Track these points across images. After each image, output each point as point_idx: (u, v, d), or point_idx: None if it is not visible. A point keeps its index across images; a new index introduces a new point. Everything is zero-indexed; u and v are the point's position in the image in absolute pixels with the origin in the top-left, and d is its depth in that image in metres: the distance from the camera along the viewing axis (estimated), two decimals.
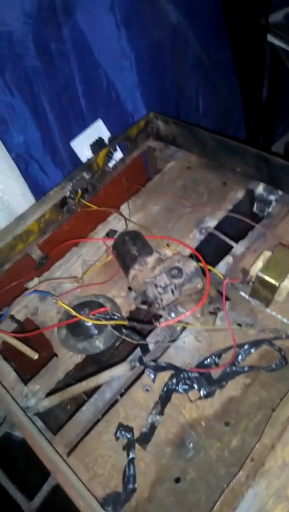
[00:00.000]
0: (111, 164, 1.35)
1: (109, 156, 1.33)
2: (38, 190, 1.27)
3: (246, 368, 0.89)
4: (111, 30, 1.25)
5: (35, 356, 0.99)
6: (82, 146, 1.33)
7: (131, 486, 0.80)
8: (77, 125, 1.32)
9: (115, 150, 1.36)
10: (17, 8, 1.03)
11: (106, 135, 1.36)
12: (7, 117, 1.12)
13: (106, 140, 1.36)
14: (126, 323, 0.99)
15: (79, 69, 1.24)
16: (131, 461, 0.83)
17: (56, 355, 1.01)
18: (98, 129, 1.36)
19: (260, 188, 1.20)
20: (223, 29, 1.59)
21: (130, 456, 0.83)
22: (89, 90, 1.29)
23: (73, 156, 1.34)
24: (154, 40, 1.42)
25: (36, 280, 1.15)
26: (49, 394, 0.95)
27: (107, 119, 1.36)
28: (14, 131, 1.15)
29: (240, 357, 0.90)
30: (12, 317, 1.09)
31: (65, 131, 1.29)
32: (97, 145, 1.34)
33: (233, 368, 0.89)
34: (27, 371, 1.06)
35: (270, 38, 1.61)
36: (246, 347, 0.91)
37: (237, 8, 1.52)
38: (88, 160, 1.30)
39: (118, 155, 1.37)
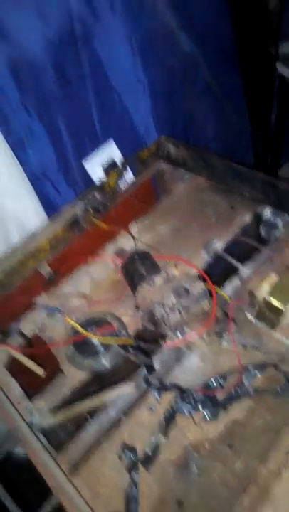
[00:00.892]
0: (122, 185, 1.39)
1: (120, 177, 1.37)
2: (50, 208, 1.30)
3: (251, 391, 0.89)
4: (127, 57, 1.31)
5: (42, 373, 1.00)
6: (94, 167, 1.37)
7: (133, 508, 0.79)
8: (91, 146, 1.36)
9: (126, 171, 1.40)
10: (39, 36, 1.09)
11: (118, 156, 1.40)
12: (24, 137, 1.16)
13: (118, 161, 1.40)
14: (132, 342, 1.00)
15: (95, 93, 1.28)
16: (134, 482, 0.82)
17: (62, 371, 1.02)
18: (111, 151, 1.40)
19: (267, 212, 1.23)
20: (234, 57, 1.64)
21: (133, 477, 0.83)
22: (103, 114, 1.33)
23: (85, 175, 1.37)
24: (167, 68, 1.47)
25: (45, 296, 1.17)
26: (54, 411, 0.95)
27: (119, 141, 1.40)
28: (30, 150, 1.19)
29: (245, 380, 0.91)
30: (20, 332, 1.10)
31: (79, 151, 1.33)
32: (109, 166, 1.38)
33: (239, 390, 0.90)
34: (32, 387, 1.06)
35: (279, 67, 1.66)
36: (252, 370, 0.91)
37: (248, 38, 1.58)
38: (100, 180, 1.34)
39: (129, 176, 1.40)
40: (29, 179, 1.21)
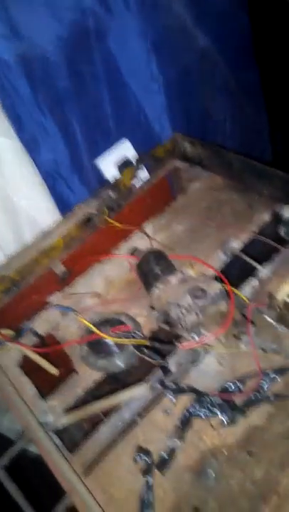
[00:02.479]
0: (136, 183, 1.37)
1: (135, 175, 1.35)
2: (64, 207, 1.29)
3: (271, 396, 0.86)
4: (141, 54, 1.29)
5: (56, 372, 0.99)
6: (108, 165, 1.36)
7: None
8: (105, 144, 1.35)
9: (141, 169, 1.38)
10: (52, 33, 1.08)
11: (132, 155, 1.39)
12: (38, 136, 1.16)
13: (132, 159, 1.38)
14: (147, 342, 0.98)
15: (109, 91, 1.27)
16: (149, 486, 0.80)
17: (76, 371, 1.01)
18: (125, 149, 1.38)
19: (286, 211, 1.19)
20: (251, 53, 1.61)
21: (148, 481, 0.81)
22: (117, 111, 1.32)
23: (99, 174, 1.36)
24: (183, 64, 1.45)
25: (58, 295, 1.16)
26: (67, 411, 0.94)
27: (134, 139, 1.39)
28: (44, 149, 1.19)
29: (265, 384, 0.88)
30: (33, 331, 1.09)
31: (92, 150, 1.32)
32: (124, 164, 1.36)
33: (258, 395, 0.87)
34: (45, 386, 1.05)
35: None
36: (271, 374, 0.88)
37: (267, 32, 1.55)
38: (114, 178, 1.32)
39: (144, 174, 1.38)
40: (42, 178, 1.21)
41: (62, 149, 1.24)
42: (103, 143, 1.35)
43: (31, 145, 1.16)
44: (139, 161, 1.37)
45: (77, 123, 1.25)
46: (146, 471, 0.82)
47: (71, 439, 0.95)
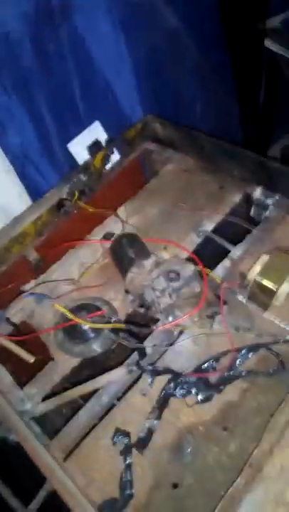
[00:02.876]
0: (108, 166, 1.35)
1: (106, 158, 1.33)
2: (35, 192, 1.26)
3: (244, 373, 0.89)
4: (109, 33, 1.25)
5: (31, 360, 0.98)
6: (79, 148, 1.33)
7: (128, 492, 0.79)
8: (75, 127, 1.31)
9: (112, 152, 1.35)
10: (14, 9, 1.03)
11: (103, 137, 1.36)
12: (3, 118, 1.11)
13: (103, 142, 1.36)
14: (123, 326, 0.98)
15: (76, 71, 1.23)
16: (128, 466, 0.82)
17: (53, 358, 1.00)
18: (96, 131, 1.35)
19: (257, 192, 1.21)
20: (221, 34, 1.59)
21: (127, 462, 0.82)
22: (86, 92, 1.28)
23: (70, 158, 1.33)
24: (152, 44, 1.42)
25: (33, 283, 1.14)
26: (45, 398, 0.94)
27: (104, 122, 1.36)
28: (11, 132, 1.14)
29: (238, 361, 0.90)
30: (8, 320, 1.07)
31: (62, 132, 1.28)
32: (95, 147, 1.33)
33: (231, 372, 0.89)
34: (23, 375, 1.05)
35: (267, 43, 1.61)
36: (244, 351, 0.91)
37: (235, 13, 1.53)
38: (85, 162, 1.30)
39: (115, 157, 1.36)
40: (11, 163, 1.17)
41: (30, 132, 1.20)
42: (73, 126, 1.32)
43: None
44: (110, 143, 1.34)
45: (45, 104, 1.20)
46: (126, 452, 0.83)
47: (52, 425, 0.95)
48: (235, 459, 0.79)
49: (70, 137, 1.31)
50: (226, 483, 0.75)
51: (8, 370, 0.99)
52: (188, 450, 0.82)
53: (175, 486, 0.79)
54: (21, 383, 0.97)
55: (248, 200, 1.23)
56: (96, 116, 1.35)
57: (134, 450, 0.84)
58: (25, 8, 1.06)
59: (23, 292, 1.12)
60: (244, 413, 0.84)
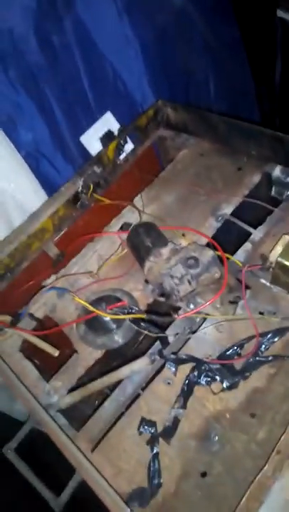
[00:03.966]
0: (122, 156, 1.33)
1: (119, 148, 1.31)
2: (50, 187, 1.26)
3: (270, 358, 0.86)
4: (113, 18, 1.23)
5: (56, 353, 0.99)
6: (92, 140, 1.32)
7: (156, 481, 0.79)
8: (86, 119, 1.30)
9: (126, 142, 1.33)
10: (16, 3, 1.02)
11: (116, 127, 1.34)
12: (14, 115, 1.12)
13: (116, 132, 1.34)
14: (144, 316, 0.97)
15: (83, 61, 1.22)
16: (155, 455, 0.81)
17: (76, 351, 1.01)
18: (107, 122, 1.33)
19: (277, 171, 1.16)
20: (230, 7, 1.53)
21: (154, 451, 0.82)
22: (95, 82, 1.27)
23: (84, 150, 1.32)
24: (159, 26, 1.38)
25: (53, 277, 1.15)
26: (71, 390, 0.94)
27: (116, 111, 1.34)
28: (22, 128, 1.15)
29: (263, 346, 0.87)
30: (31, 315, 1.09)
31: (73, 125, 1.28)
32: (107, 138, 1.32)
33: (257, 358, 0.86)
34: (49, 368, 1.06)
35: (280, 13, 1.53)
36: (269, 336, 0.88)
37: None
38: (98, 153, 1.28)
39: (129, 146, 1.34)
40: (24, 159, 1.17)
41: (42, 127, 1.20)
42: (84, 118, 1.31)
43: (9, 126, 1.12)
44: (122, 132, 1.32)
45: (55, 98, 1.20)
46: (152, 442, 0.83)
47: (82, 415, 0.96)
48: (264, 446, 0.76)
49: (82, 129, 1.31)
50: (255, 470, 0.73)
51: (34, 365, 1.00)
52: (216, 438, 0.81)
53: (203, 474, 0.78)
54: (47, 377, 0.98)
55: (268, 179, 1.19)
56: (107, 106, 1.33)
57: (160, 439, 0.83)
58: (27, 2, 1.05)
59: (45, 287, 1.13)
60: (271, 399, 0.82)
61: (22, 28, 1.06)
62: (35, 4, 1.07)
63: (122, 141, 1.31)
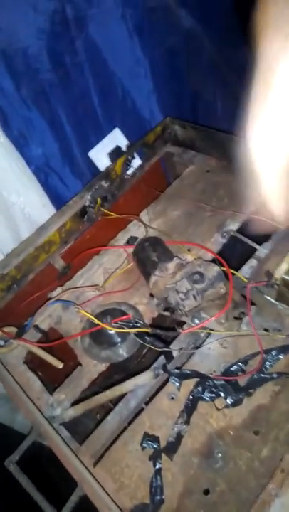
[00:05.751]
0: (129, 171, 1.35)
1: (127, 164, 1.34)
2: (59, 201, 1.28)
3: (275, 375, 0.86)
4: (124, 38, 1.26)
5: (60, 365, 1.00)
6: (100, 156, 1.34)
7: (158, 498, 0.78)
8: (95, 135, 1.33)
9: (133, 157, 1.36)
10: (31, 25, 1.06)
11: (124, 143, 1.37)
12: (25, 131, 1.14)
13: (124, 148, 1.37)
14: (149, 330, 0.97)
15: (94, 79, 1.25)
16: (158, 471, 0.81)
17: (80, 364, 1.01)
18: (116, 138, 1.36)
19: None
20: (239, 30, 1.56)
21: (157, 467, 0.81)
22: (105, 100, 1.30)
23: (92, 166, 1.35)
24: (168, 46, 1.41)
25: (59, 290, 1.16)
26: (74, 403, 0.94)
27: (124, 128, 1.37)
28: (33, 144, 1.17)
29: (267, 363, 0.87)
30: (36, 327, 1.10)
31: (82, 141, 1.30)
32: (115, 153, 1.35)
33: (261, 374, 0.86)
34: (53, 381, 1.06)
35: None
36: (274, 353, 0.88)
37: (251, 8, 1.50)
38: (106, 168, 1.31)
39: (136, 162, 1.37)
40: (34, 174, 1.20)
41: (52, 143, 1.23)
42: (93, 134, 1.34)
43: (20, 141, 1.15)
44: (130, 148, 1.35)
45: (65, 115, 1.23)
46: (155, 457, 0.82)
47: (84, 429, 0.96)
48: (268, 464, 0.76)
49: (91, 145, 1.33)
50: (258, 488, 0.72)
51: (37, 377, 1.01)
52: (219, 455, 0.80)
53: (206, 492, 0.77)
54: (50, 389, 0.98)
55: None
56: (115, 123, 1.36)
57: (163, 455, 0.83)
58: (42, 24, 1.09)
59: (50, 299, 1.14)
60: (276, 417, 0.81)
61: (36, 48, 1.09)
62: (49, 25, 1.11)
63: (129, 157, 1.33)
